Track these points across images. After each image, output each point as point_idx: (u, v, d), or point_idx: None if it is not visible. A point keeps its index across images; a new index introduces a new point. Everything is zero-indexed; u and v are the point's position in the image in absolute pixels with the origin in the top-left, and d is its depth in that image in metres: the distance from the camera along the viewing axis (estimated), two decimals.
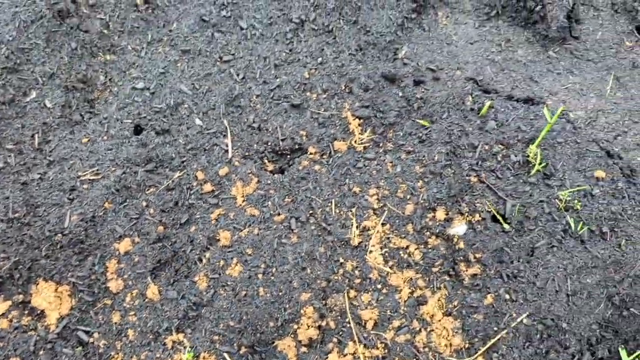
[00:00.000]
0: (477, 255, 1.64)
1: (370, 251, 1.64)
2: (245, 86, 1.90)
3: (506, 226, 1.69)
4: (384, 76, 1.94)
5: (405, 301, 1.59)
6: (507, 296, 1.59)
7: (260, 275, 1.63)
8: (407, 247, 1.63)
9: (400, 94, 1.93)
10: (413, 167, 1.73)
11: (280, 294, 1.61)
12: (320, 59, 1.96)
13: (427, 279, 1.61)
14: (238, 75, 1.92)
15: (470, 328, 1.55)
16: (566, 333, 1.54)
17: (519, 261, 1.64)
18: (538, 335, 1.54)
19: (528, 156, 1.80)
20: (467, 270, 1.63)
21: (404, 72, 1.96)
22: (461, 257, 1.65)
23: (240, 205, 1.73)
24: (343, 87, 1.90)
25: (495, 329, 1.54)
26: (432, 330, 1.55)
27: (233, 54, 1.98)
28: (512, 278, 1.62)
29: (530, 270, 1.62)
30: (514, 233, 1.69)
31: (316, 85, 1.90)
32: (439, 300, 1.58)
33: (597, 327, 1.57)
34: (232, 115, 1.86)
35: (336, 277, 1.63)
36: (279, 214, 1.71)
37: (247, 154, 1.81)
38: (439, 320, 1.56)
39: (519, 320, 1.55)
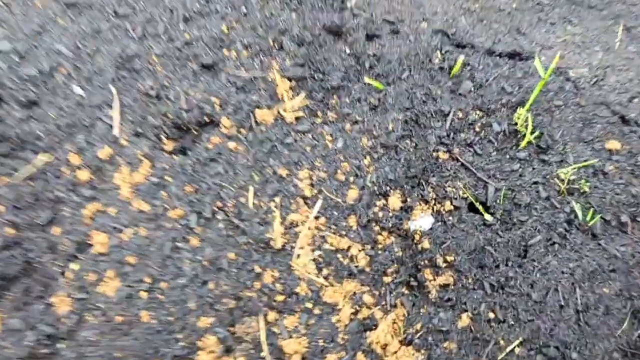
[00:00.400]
0: (449, 259, 1.17)
1: (298, 256, 1.17)
2: (143, 44, 1.45)
3: (488, 217, 1.22)
4: (327, 29, 1.49)
5: (345, 326, 1.11)
6: (492, 315, 1.12)
7: (144, 294, 1.16)
8: (349, 248, 1.16)
9: (348, 51, 1.48)
10: (359, 141, 1.27)
11: (170, 319, 1.14)
12: (244, 9, 1.50)
13: (377, 293, 1.14)
14: (135, 31, 1.47)
15: None
16: None
17: (507, 265, 1.17)
18: None
19: (516, 124, 1.34)
20: (434, 280, 1.16)
21: (353, 25, 1.51)
22: (426, 262, 1.18)
23: (125, 197, 1.26)
24: (271, 42, 1.44)
25: None
26: None
27: (133, 7, 1.53)
28: (498, 289, 1.15)
29: (523, 277, 1.15)
30: (499, 227, 1.22)
31: (236, 41, 1.45)
32: (394, 323, 1.11)
33: (620, 356, 1.09)
34: (123, 81, 1.40)
35: (249, 294, 1.16)
36: (175, 208, 1.24)
37: (139, 130, 1.35)
38: (395, 353, 1.08)
39: (508, 349, 1.07)
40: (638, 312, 1.14)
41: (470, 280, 1.16)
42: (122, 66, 1.41)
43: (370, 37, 1.51)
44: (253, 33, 1.46)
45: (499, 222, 1.23)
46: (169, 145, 1.34)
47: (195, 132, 1.37)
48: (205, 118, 1.35)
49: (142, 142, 1.33)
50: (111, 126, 1.35)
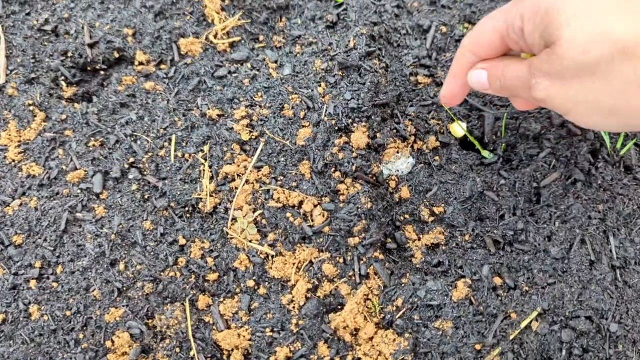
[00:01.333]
0: (437, 210, 0.88)
1: (235, 219, 0.87)
2: None
3: (487, 154, 0.92)
4: None
5: (300, 307, 0.82)
6: (498, 280, 0.82)
7: (33, 283, 0.87)
8: (301, 204, 0.86)
9: None
10: (312, 64, 0.96)
11: (68, 313, 0.85)
12: None
13: (342, 260, 0.84)
14: None
15: (429, 349, 0.78)
16: (617, 342, 0.78)
17: (514, 214, 0.88)
18: (564, 352, 0.77)
19: None
20: (418, 240, 0.86)
21: None
22: (406, 216, 0.88)
23: (12, 160, 0.96)
24: None
25: (478, 346, 0.78)
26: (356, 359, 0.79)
27: None
28: (505, 246, 0.85)
29: (537, 228, 0.86)
30: (501, 165, 0.92)
31: None
32: (366, 300, 0.81)
33: None
34: (12, 17, 1.10)
35: (171, 274, 0.86)
36: (75, 169, 0.94)
37: (31, 74, 1.04)
38: (370, 339, 0.79)
39: (523, 325, 0.78)
40: None
41: (466, 237, 0.87)
42: None
43: None
44: None
45: (500, 159, 0.93)
46: (69, 91, 1.04)
47: (103, 73, 1.06)
48: (115, 54, 1.05)
49: (35, 89, 1.03)
50: None
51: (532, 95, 0.61)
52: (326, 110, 0.90)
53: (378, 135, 0.90)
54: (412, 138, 0.93)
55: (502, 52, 0.68)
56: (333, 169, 0.87)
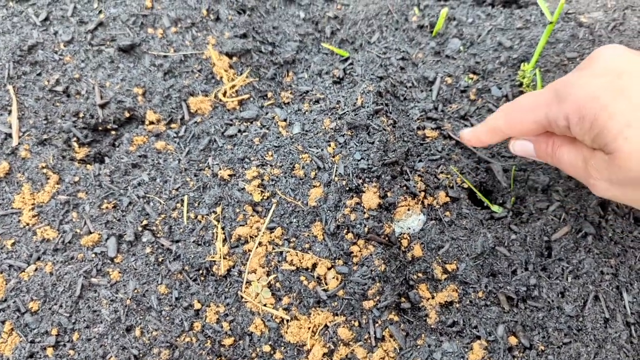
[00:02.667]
0: (450, 267, 0.88)
1: (249, 283, 0.88)
2: (48, 32, 1.16)
3: (496, 209, 0.93)
4: None
5: None
6: (513, 340, 0.82)
7: (50, 350, 0.87)
8: (314, 267, 0.87)
9: (303, 15, 1.18)
10: (321, 123, 0.97)
11: None
12: None
13: (357, 324, 0.85)
14: (38, 17, 1.18)
15: None
16: None
17: (526, 269, 0.88)
18: None
19: (521, 84, 1.04)
20: (432, 298, 0.87)
21: None
22: (419, 275, 0.89)
23: (27, 224, 0.97)
24: (205, 13, 1.15)
25: None
26: None
27: None
28: (518, 303, 0.86)
29: (549, 284, 0.86)
30: (511, 219, 0.93)
31: (162, 15, 1.15)
32: None
33: None
34: (23, 78, 1.12)
35: (187, 339, 0.86)
36: (89, 233, 0.95)
37: (44, 136, 1.06)
38: None
39: None
40: None
41: (480, 295, 0.87)
42: (21, 60, 1.12)
43: None
44: (182, 4, 1.17)
45: (510, 213, 0.93)
46: (81, 152, 1.05)
47: (114, 133, 1.08)
48: (126, 113, 1.06)
49: (48, 151, 1.05)
50: (9, 135, 1.06)
51: (592, 190, 0.65)
52: (336, 171, 0.91)
53: (389, 194, 0.91)
54: (422, 194, 0.94)
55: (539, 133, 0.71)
56: (345, 230, 0.87)
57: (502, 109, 0.75)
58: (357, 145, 0.92)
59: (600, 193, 0.63)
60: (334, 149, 0.93)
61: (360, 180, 0.90)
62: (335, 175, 0.90)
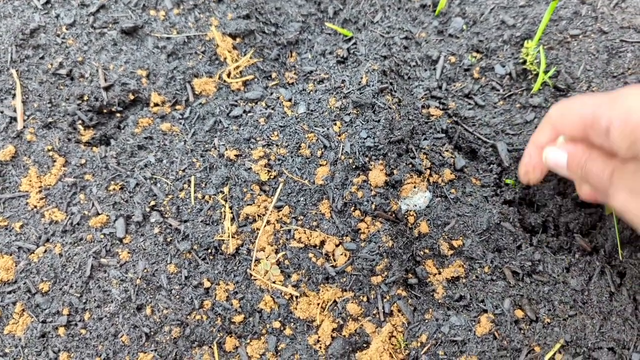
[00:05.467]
0: (456, 243, 0.89)
1: (258, 260, 0.89)
2: (50, 15, 1.15)
3: (510, 181, 0.94)
4: None
5: (327, 347, 0.83)
6: (520, 313, 0.83)
7: (61, 330, 0.88)
8: (322, 244, 0.88)
9: None
10: (326, 103, 0.97)
11: (98, 359, 0.86)
12: None
13: (365, 299, 0.86)
14: (40, 0, 1.17)
15: None
16: None
17: (531, 244, 0.89)
18: None
19: (524, 62, 1.04)
20: (439, 274, 0.88)
21: None
22: (426, 251, 0.89)
23: (34, 206, 0.98)
24: None
25: None
26: None
27: None
28: (525, 277, 0.87)
29: (555, 258, 0.87)
30: (518, 194, 0.93)
31: None
32: (391, 337, 0.83)
33: None
34: (26, 62, 1.11)
35: (198, 317, 0.88)
36: (97, 214, 0.96)
37: (48, 119, 1.06)
38: None
39: (547, 357, 0.80)
40: None
41: (486, 270, 0.88)
42: (24, 44, 1.12)
43: None
44: None
45: (517, 188, 0.94)
46: (86, 135, 1.05)
47: (119, 115, 1.08)
48: (130, 95, 1.06)
49: (53, 134, 1.05)
50: (14, 118, 1.06)
51: (609, 201, 0.65)
52: (343, 149, 0.91)
53: (395, 171, 0.91)
54: (428, 172, 0.95)
55: (581, 136, 0.70)
56: (352, 207, 0.88)
57: (561, 101, 0.76)
58: (363, 124, 0.92)
59: (617, 203, 0.64)
60: (340, 127, 0.94)
61: (367, 158, 0.90)
62: (342, 154, 0.91)
